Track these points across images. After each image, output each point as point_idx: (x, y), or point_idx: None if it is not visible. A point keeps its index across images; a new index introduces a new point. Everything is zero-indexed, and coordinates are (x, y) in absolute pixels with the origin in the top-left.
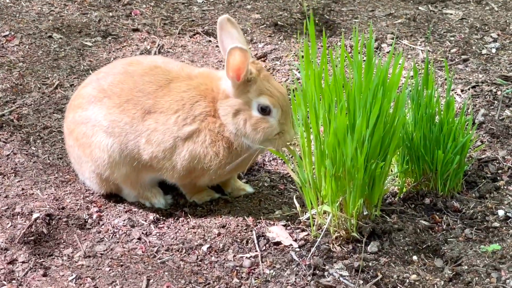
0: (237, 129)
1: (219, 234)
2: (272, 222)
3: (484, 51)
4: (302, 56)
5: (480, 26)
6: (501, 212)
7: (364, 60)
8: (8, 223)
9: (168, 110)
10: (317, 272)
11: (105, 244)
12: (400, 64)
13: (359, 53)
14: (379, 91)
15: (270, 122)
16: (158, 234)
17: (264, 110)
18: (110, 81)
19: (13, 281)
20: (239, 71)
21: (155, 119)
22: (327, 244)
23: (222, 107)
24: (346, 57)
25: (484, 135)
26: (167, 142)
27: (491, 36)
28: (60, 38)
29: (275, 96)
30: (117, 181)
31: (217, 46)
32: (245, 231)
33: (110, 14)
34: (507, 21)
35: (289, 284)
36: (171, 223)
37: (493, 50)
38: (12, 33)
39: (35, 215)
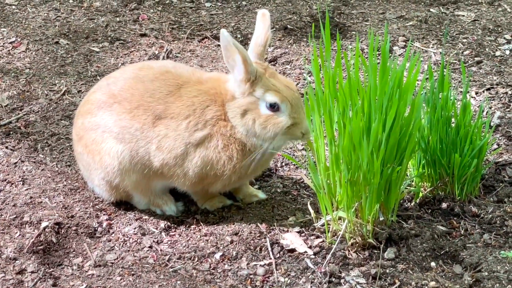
0: (247, 129)
1: (232, 242)
2: (286, 229)
3: (497, 53)
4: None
5: (493, 27)
6: None
7: (378, 63)
8: (16, 232)
9: (179, 115)
10: (333, 279)
11: (115, 253)
12: (416, 65)
13: (373, 55)
14: (395, 93)
15: (279, 118)
16: (169, 242)
17: (273, 107)
18: (120, 86)
19: None
20: (232, 60)
21: (165, 125)
22: (342, 250)
23: (230, 109)
24: (360, 59)
25: (500, 138)
26: (178, 149)
27: (504, 38)
28: (67, 44)
29: (282, 90)
30: (128, 188)
31: None
32: (259, 238)
33: (117, 19)
34: None
35: None
36: (182, 230)
37: (507, 52)
38: (19, 39)
39: (44, 224)
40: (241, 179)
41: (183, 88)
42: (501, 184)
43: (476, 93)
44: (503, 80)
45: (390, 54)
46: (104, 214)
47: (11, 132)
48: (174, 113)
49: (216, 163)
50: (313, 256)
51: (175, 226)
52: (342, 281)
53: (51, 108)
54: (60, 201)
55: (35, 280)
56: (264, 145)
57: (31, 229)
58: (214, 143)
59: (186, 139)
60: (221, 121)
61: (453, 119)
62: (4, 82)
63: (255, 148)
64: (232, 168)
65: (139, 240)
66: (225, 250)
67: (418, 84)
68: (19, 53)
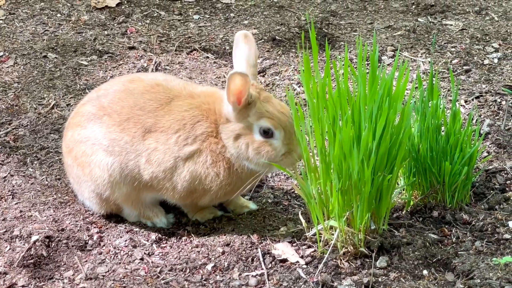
0: (239, 153)
1: (223, 253)
2: (277, 239)
3: (486, 61)
4: (303, 70)
5: (481, 36)
6: (511, 224)
7: (367, 73)
8: (6, 247)
9: (169, 129)
10: None
11: (106, 266)
12: (405, 74)
13: (362, 65)
14: (384, 101)
15: (273, 145)
16: (160, 254)
17: (267, 133)
18: (110, 98)
19: None
20: (240, 95)
21: (155, 138)
22: (334, 260)
23: (223, 131)
24: (349, 69)
25: (490, 145)
26: (167, 162)
27: (492, 46)
28: (55, 57)
29: (276, 117)
30: (118, 201)
31: (215, 62)
32: (250, 248)
33: (106, 32)
34: (508, 30)
35: None
36: (173, 242)
37: (495, 60)
38: (7, 53)
39: (34, 238)
40: (228, 195)
41: (174, 101)
42: (491, 191)
43: (466, 101)
44: (492, 88)
45: (378, 64)
46: (94, 227)
47: (0, 147)
48: (164, 127)
49: (204, 178)
50: (305, 266)
51: (166, 238)
52: None
53: (40, 122)
54: (50, 215)
55: None
56: (257, 169)
57: (21, 243)
58: (203, 158)
59: (176, 153)
60: (212, 138)
61: (443, 127)
62: None
63: (242, 169)
64: (219, 184)
65: (130, 252)
66: (216, 261)
67: (407, 93)
68: (7, 67)
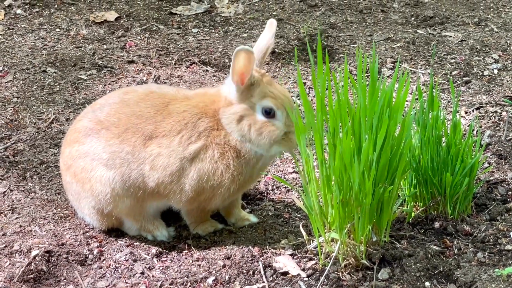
0: (242, 135)
1: (224, 266)
2: (278, 252)
3: (486, 72)
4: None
5: (481, 47)
6: None
7: (367, 84)
8: (6, 262)
9: (171, 132)
10: None
11: (107, 280)
12: (405, 86)
13: (362, 77)
14: (385, 113)
15: (275, 125)
16: (161, 267)
17: (269, 113)
18: (107, 111)
19: None
20: (244, 74)
21: (157, 144)
22: (336, 272)
23: (225, 115)
24: (349, 80)
25: (491, 156)
26: (173, 165)
27: (492, 57)
28: (55, 72)
29: (279, 98)
30: (120, 215)
31: (214, 76)
32: (251, 261)
33: (105, 46)
34: (508, 41)
35: None
36: (174, 256)
37: (495, 71)
38: (6, 68)
39: (34, 253)
40: (241, 189)
41: (171, 105)
42: (493, 202)
43: (466, 112)
44: (492, 99)
45: (378, 76)
46: (94, 241)
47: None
48: (165, 130)
49: (212, 174)
50: (306, 279)
51: (167, 251)
52: None
53: (40, 136)
54: (50, 229)
55: None
56: (259, 152)
57: (21, 258)
58: (210, 153)
59: (181, 154)
60: (215, 131)
61: (443, 139)
62: None
63: (249, 154)
64: (231, 177)
65: (130, 266)
66: (217, 274)
67: (407, 104)
68: (6, 82)
